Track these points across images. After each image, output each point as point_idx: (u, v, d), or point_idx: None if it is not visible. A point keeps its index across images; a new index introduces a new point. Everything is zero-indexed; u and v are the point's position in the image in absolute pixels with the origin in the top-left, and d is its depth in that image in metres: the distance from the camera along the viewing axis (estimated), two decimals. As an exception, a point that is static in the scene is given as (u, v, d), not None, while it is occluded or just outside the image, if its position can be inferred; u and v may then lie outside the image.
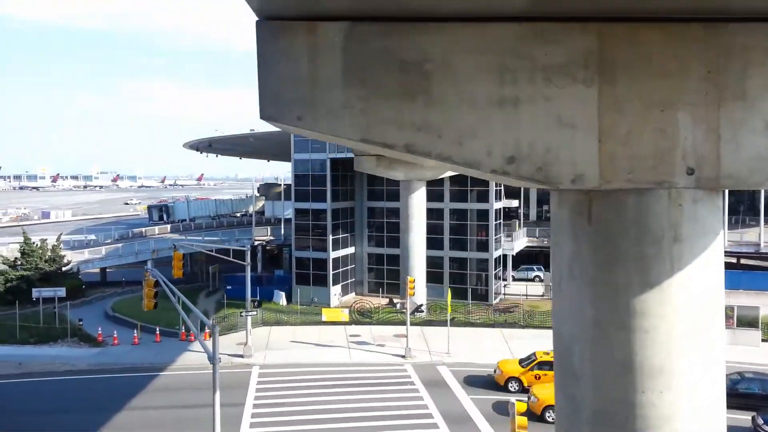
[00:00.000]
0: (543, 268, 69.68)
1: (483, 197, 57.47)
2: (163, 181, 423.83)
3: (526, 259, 69.59)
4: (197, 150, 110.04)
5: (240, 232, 73.83)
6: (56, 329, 42.95)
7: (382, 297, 59.85)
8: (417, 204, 49.52)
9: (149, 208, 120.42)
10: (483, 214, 57.68)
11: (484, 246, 57.77)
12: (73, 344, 40.75)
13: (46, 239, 58.49)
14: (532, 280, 68.07)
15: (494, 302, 56.32)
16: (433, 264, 58.50)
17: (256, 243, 73.05)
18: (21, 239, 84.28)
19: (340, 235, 59.92)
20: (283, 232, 73.73)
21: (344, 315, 46.33)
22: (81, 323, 42.72)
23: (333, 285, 58.84)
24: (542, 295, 60.87)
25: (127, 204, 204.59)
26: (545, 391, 28.17)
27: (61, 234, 60.51)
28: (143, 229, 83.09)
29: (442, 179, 55.65)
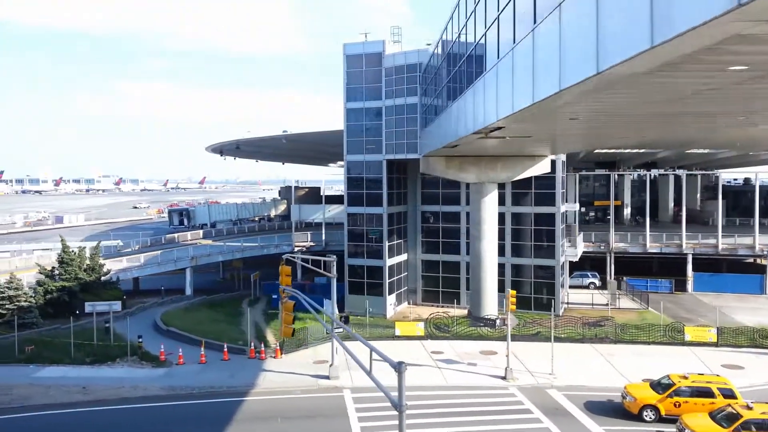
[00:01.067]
0: (597, 275, 66.54)
1: (547, 200, 54.30)
2: (165, 185, 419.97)
3: (577, 264, 66.37)
4: (220, 153, 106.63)
5: (279, 237, 70.34)
6: (113, 347, 39.55)
7: (437, 306, 56.64)
8: (489, 209, 46.25)
9: (169, 212, 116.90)
10: (547, 218, 54.49)
11: (547, 252, 54.61)
12: (134, 364, 37.32)
13: (84, 247, 54.99)
14: (587, 287, 64.90)
15: (560, 312, 53.23)
16: (492, 271, 55.41)
17: (296, 249, 69.70)
18: (43, 246, 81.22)
19: (395, 242, 56.65)
20: (324, 237, 70.32)
21: (419, 329, 43.00)
22: (141, 341, 39.26)
23: (389, 294, 55.59)
24: (607, 304, 57.71)
25: (136, 208, 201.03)
26: (699, 422, 24.87)
27: (99, 242, 57.01)
28: (175, 235, 79.61)
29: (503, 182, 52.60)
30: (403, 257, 58.51)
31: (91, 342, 40.18)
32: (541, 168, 46.04)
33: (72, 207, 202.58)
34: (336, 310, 57.05)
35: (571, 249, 57.93)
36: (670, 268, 67.92)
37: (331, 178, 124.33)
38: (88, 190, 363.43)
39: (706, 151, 74.13)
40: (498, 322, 39.42)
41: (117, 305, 40.84)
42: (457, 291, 57.83)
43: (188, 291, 64.29)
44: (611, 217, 67.83)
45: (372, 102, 54.58)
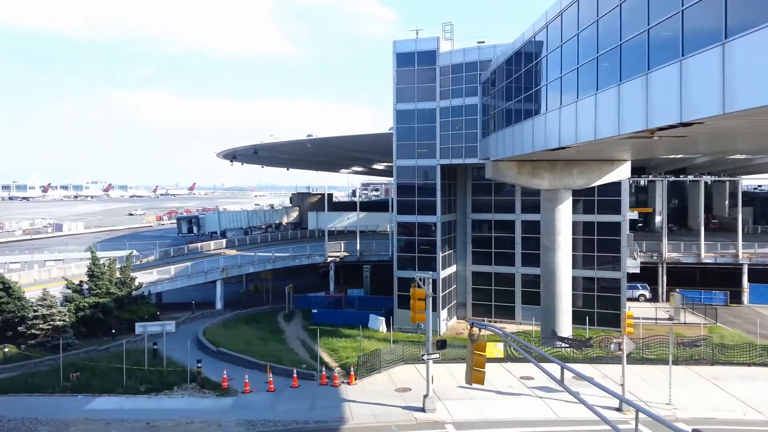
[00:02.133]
0: (647, 286, 63.37)
1: (611, 207, 51.05)
2: (155, 191, 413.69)
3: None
4: (232, 158, 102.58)
5: (312, 247, 66.42)
6: (167, 372, 35.50)
7: (489, 322, 53.18)
8: (563, 218, 42.80)
9: (178, 219, 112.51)
10: (611, 227, 51.22)
11: (611, 263, 51.32)
12: (195, 392, 33.31)
13: (114, 259, 50.80)
14: (636, 299, 61.69)
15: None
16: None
17: (329, 259, 65.91)
18: (56, 256, 76.59)
19: (446, 253, 53.06)
20: (359, 247, 66.51)
21: (498, 350, 39.35)
22: (200, 366, 35.20)
23: (442, 309, 51.98)
24: (670, 318, 54.52)
25: (131, 215, 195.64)
26: None
27: (132, 252, 52.79)
28: (198, 245, 75.41)
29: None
30: (453, 269, 54.95)
31: (141, 366, 36.08)
32: (620, 173, 42.67)
33: (64, 214, 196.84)
34: (383, 327, 53.53)
35: (631, 260, 54.60)
36: (719, 278, 65.02)
37: (336, 183, 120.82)
38: (76, 197, 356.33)
39: (743, 156, 71.40)
40: (613, 346, 35.76)
41: (171, 326, 36.80)
42: (511, 305, 54.41)
43: (219, 305, 60.38)
44: (663, 225, 64.77)
45: (424, 103, 51.05)
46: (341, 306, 60.96)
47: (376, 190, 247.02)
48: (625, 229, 50.88)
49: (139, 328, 36.21)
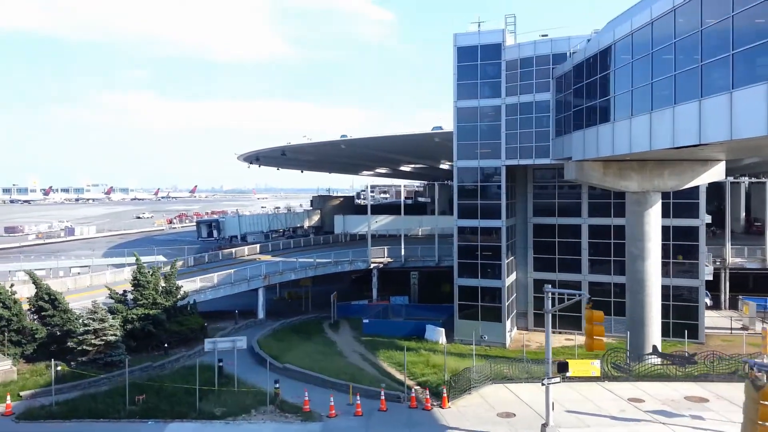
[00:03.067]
0: (708, 293, 60.21)
1: (688, 211, 48.03)
2: (156, 193, 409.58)
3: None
4: (255, 161, 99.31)
5: (354, 252, 63.17)
6: (240, 394, 32.23)
7: (553, 333, 50.10)
8: (653, 222, 39.64)
9: (198, 223, 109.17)
10: (687, 232, 48.20)
11: (688, 270, 48.30)
12: (276, 416, 30.02)
13: (159, 266, 47.47)
14: (697, 306, 58.48)
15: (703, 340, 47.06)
16: (615, 292, 49.10)
17: (373, 265, 62.73)
18: (83, 262, 72.95)
19: (509, 260, 49.93)
20: (403, 252, 63.30)
21: (594, 368, 36.12)
22: (278, 387, 31.96)
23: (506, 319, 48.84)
24: (744, 329, 51.43)
25: (139, 218, 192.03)
26: None
27: (176, 260, 49.39)
28: (233, 250, 71.98)
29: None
30: (513, 277, 51.81)
31: (209, 386, 32.80)
32: (714, 175, 39.52)
33: (69, 217, 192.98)
34: (442, 339, 50.29)
35: (707, 267, 51.50)
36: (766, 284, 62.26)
37: (339, 186, 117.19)
38: (77, 200, 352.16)
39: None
40: (694, 359, 32.49)
41: (242, 341, 33.40)
42: (578, 315, 51.03)
43: (261, 314, 57.25)
44: (727, 230, 61.73)
45: (488, 100, 47.93)
46: (388, 315, 57.75)
47: (385, 192, 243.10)
48: (703, 233, 47.88)
49: (208, 344, 32.86)
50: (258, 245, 73.91)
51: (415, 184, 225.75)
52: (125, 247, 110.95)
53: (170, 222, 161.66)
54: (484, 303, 48.99)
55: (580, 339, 49.01)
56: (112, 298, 45.15)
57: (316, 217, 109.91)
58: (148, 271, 45.86)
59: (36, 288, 40.29)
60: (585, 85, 37.72)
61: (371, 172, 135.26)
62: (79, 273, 68.54)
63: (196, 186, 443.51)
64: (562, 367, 27.45)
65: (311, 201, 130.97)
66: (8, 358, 36.37)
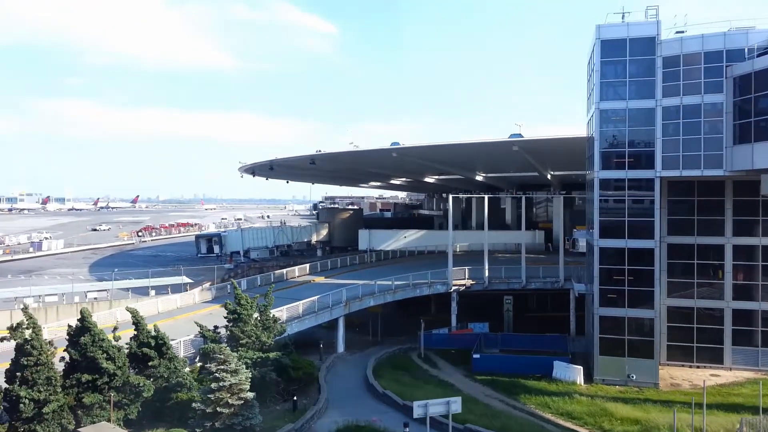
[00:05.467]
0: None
1: None
2: (95, 204, 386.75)
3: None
4: (270, 169, 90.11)
5: (433, 274, 55.40)
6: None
7: (691, 367, 44.33)
8: None
9: (197, 238, 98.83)
10: None
11: None
12: None
13: (256, 296, 38.45)
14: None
15: None
16: (764, 319, 43.65)
17: (453, 288, 55.26)
18: (99, 286, 61.50)
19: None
20: (487, 273, 56.06)
21: None
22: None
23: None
24: None
25: (96, 230, 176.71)
26: None
27: (271, 287, 40.23)
28: (284, 271, 62.60)
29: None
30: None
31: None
32: None
33: (11, 228, 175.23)
34: (579, 379, 43.28)
35: None
36: None
37: (300, 196, 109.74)
38: (11, 210, 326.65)
39: None
40: None
41: (457, 403, 25.31)
42: (719, 347, 45.27)
43: (341, 347, 49.29)
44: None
45: (640, 101, 41.58)
46: (481, 347, 50.38)
47: (352, 203, 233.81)
48: None
49: (418, 409, 24.60)
50: (307, 265, 64.92)
51: (399, 195, 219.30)
52: (108, 264, 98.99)
53: (138, 235, 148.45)
54: (632, 336, 42.33)
55: (726, 375, 43.43)
56: (204, 336, 36.04)
57: (324, 231, 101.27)
58: (248, 302, 37.00)
59: (136, 330, 30.88)
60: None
61: (366, 185, 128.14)
62: (96, 298, 58.10)
63: (137, 196, 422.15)
64: None
65: (317, 214, 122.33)
66: (116, 427, 26.98)
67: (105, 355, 27.68)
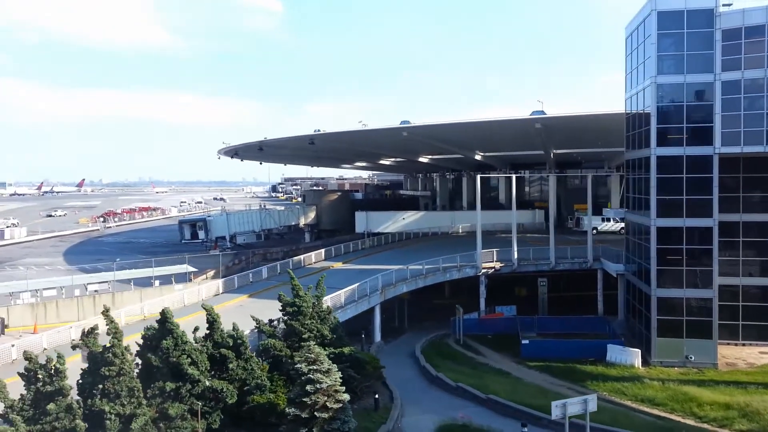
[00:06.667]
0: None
1: None
2: (39, 188, 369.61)
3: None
4: (230, 156, 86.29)
5: (462, 257, 53.32)
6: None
7: (759, 345, 43.63)
8: None
9: (180, 223, 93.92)
10: None
11: None
12: None
13: (310, 286, 35.52)
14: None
15: None
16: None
17: (482, 271, 53.42)
18: (100, 277, 56.17)
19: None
20: (516, 255, 54.34)
21: None
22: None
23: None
24: None
25: (51, 216, 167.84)
26: None
27: (323, 276, 37.12)
28: (302, 257, 59.30)
29: None
30: (697, 283, 44.50)
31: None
32: None
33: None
34: (637, 361, 42.02)
35: None
36: None
37: (259, 177, 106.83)
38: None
39: None
40: None
41: (593, 401, 23.28)
42: (766, 324, 44.81)
43: (377, 336, 46.83)
44: None
45: (697, 75, 40.17)
46: (517, 331, 48.88)
47: (317, 185, 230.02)
48: None
49: (557, 409, 22.48)
50: (323, 251, 61.75)
51: (362, 175, 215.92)
52: (81, 252, 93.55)
53: (102, 220, 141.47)
54: (690, 317, 41.30)
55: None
56: (261, 331, 33.09)
57: (312, 214, 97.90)
58: (305, 294, 34.14)
59: (210, 329, 27.67)
60: None
61: (350, 166, 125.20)
62: (97, 291, 53.80)
63: (83, 180, 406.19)
64: None
65: (303, 196, 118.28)
66: (205, 440, 24.02)
67: (189, 359, 24.52)
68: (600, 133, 61.04)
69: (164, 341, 24.30)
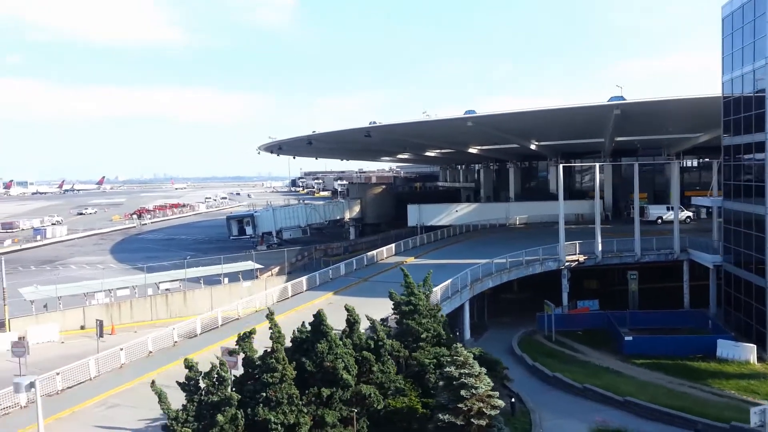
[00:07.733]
0: None
1: None
2: (60, 186, 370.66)
3: None
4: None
5: (544, 250, 51.53)
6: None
7: None
8: None
9: (228, 219, 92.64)
10: None
11: None
12: None
13: (420, 284, 33.91)
14: None
15: None
16: None
17: (566, 264, 51.64)
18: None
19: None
20: (600, 248, 52.46)
21: None
22: None
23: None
24: None
25: (82, 214, 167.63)
26: None
27: (430, 273, 35.51)
28: (374, 252, 57.75)
29: None
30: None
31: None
32: None
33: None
34: (752, 357, 40.08)
35: None
36: None
37: (278, 174, 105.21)
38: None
39: None
40: None
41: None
42: None
43: (467, 333, 45.33)
44: None
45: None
46: (603, 325, 47.20)
47: (340, 179, 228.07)
48: None
49: (755, 416, 20.75)
50: (393, 246, 60.22)
51: (385, 168, 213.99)
52: (127, 250, 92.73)
53: (138, 216, 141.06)
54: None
55: None
56: (375, 330, 31.48)
57: (357, 208, 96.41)
58: (419, 292, 32.56)
59: (350, 330, 26.13)
60: None
61: (391, 158, 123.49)
62: (168, 289, 52.51)
63: (103, 177, 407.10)
64: None
65: (347, 190, 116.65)
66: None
67: (342, 364, 23.00)
68: (677, 118, 59.05)
69: (319, 344, 22.76)
